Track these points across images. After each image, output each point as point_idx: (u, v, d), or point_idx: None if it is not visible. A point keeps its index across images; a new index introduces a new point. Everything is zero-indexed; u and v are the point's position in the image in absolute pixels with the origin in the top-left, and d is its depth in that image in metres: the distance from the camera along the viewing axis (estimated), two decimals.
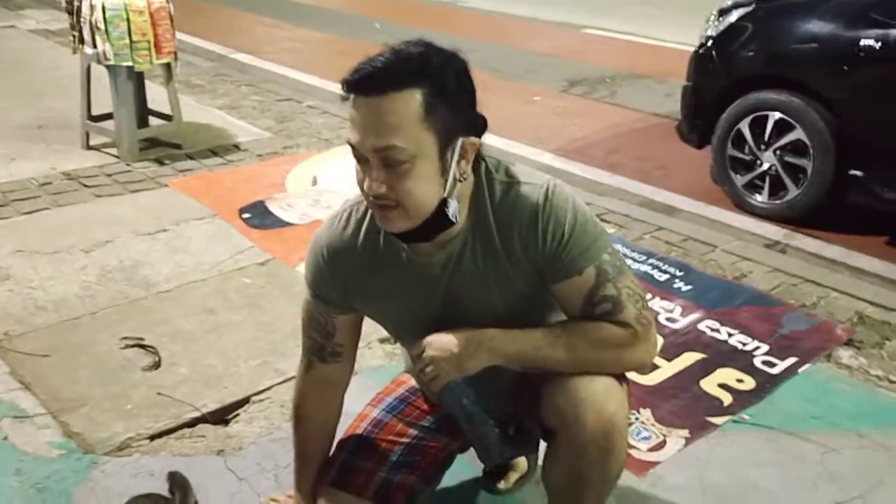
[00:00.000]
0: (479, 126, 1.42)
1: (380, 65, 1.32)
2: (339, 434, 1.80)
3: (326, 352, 1.67)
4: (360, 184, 1.39)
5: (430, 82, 1.32)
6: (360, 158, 1.36)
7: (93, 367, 2.52)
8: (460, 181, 1.41)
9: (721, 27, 4.02)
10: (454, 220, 1.41)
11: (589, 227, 1.46)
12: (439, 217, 1.39)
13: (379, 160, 1.33)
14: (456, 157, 1.37)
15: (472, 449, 1.92)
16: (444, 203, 1.38)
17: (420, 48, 1.36)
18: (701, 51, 4.13)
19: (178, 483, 1.88)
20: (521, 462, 2.03)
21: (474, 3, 10.23)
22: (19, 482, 2.01)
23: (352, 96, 1.33)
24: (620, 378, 1.54)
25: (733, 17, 3.99)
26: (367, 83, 1.31)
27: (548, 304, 1.57)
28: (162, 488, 1.93)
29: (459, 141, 1.37)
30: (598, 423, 1.44)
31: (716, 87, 4.07)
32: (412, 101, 1.30)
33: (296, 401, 1.77)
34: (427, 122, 1.32)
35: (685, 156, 4.50)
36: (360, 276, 1.55)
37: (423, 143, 1.32)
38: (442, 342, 1.46)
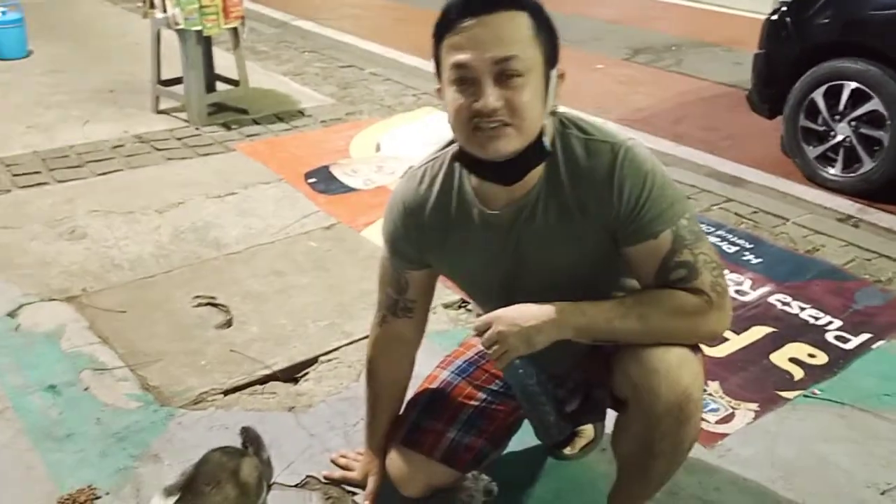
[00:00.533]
0: None
1: None
2: (410, 394, 1.83)
3: (399, 307, 1.70)
4: (461, 110, 1.36)
5: (530, 8, 1.36)
6: (467, 80, 1.34)
7: (168, 323, 2.60)
8: (552, 112, 1.42)
9: None
10: (549, 149, 1.42)
11: (667, 189, 1.44)
12: (537, 145, 1.40)
13: (494, 75, 1.33)
14: (552, 84, 1.39)
15: None
16: (541, 132, 1.40)
17: None
18: (774, 17, 4.00)
19: (251, 438, 1.92)
20: (588, 428, 2.04)
21: None
22: (100, 431, 2.10)
23: (455, 24, 1.34)
24: (695, 348, 1.51)
25: None
26: (479, 2, 1.33)
27: (617, 269, 1.55)
28: (236, 441, 1.98)
29: (554, 70, 1.40)
30: (672, 395, 1.42)
31: (789, 55, 3.94)
32: (523, 19, 1.34)
33: (369, 356, 1.80)
34: (537, 40, 1.35)
35: (754, 126, 4.40)
36: (434, 232, 1.57)
37: (535, 59, 1.35)
38: (509, 317, 1.44)
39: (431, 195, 1.56)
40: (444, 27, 1.36)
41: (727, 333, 2.54)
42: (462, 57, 1.33)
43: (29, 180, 3.67)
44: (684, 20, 7.35)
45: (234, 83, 4.65)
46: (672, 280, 1.45)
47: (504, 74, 1.32)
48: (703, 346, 2.33)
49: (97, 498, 1.87)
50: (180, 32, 4.29)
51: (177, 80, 4.55)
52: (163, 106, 4.64)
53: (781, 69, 3.99)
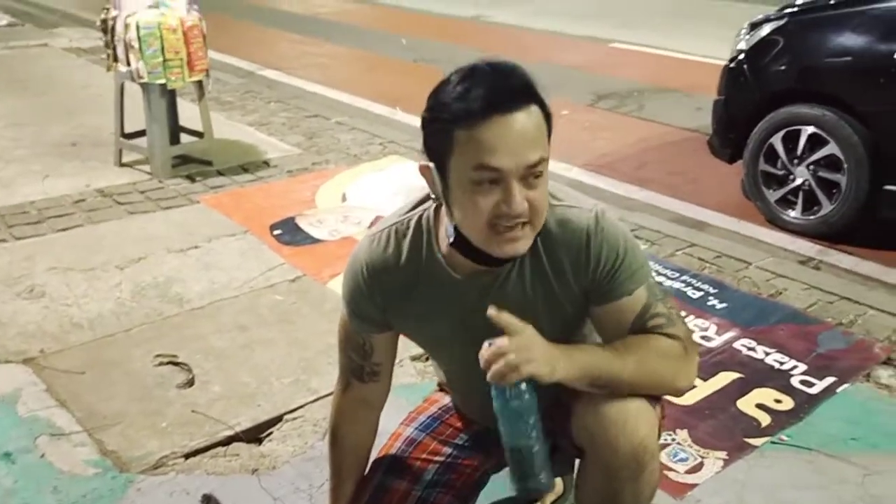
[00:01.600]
0: None
1: (503, 83, 1.31)
2: (374, 454, 1.80)
3: (365, 371, 1.66)
4: (485, 212, 1.31)
5: (538, 98, 1.34)
6: (493, 181, 1.30)
7: (127, 384, 2.54)
8: None
9: (752, 41, 4.00)
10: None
11: (637, 251, 1.48)
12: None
13: (521, 177, 1.30)
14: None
15: (506, 469, 1.91)
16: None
17: (509, 63, 1.36)
18: (732, 64, 4.10)
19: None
20: (558, 483, 2.01)
21: (499, 17, 10.26)
22: (56, 500, 2.03)
23: (476, 120, 1.28)
24: (653, 400, 1.51)
25: (765, 30, 3.96)
26: (509, 98, 1.29)
27: (587, 331, 1.56)
28: None
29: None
30: (629, 446, 1.42)
31: (747, 101, 4.04)
32: (538, 114, 1.32)
33: (332, 421, 1.76)
34: (548, 135, 1.35)
35: (716, 170, 4.47)
36: (399, 295, 1.54)
37: (547, 155, 1.34)
38: (527, 336, 1.35)
39: (399, 260, 1.52)
40: (463, 118, 1.29)
41: (695, 380, 2.54)
42: (496, 162, 1.28)
43: None
44: (646, 66, 7.50)
45: (199, 135, 4.64)
46: (650, 327, 1.46)
47: (531, 176, 1.31)
48: (672, 397, 2.35)
49: None
50: (144, 86, 4.28)
51: (140, 133, 4.52)
52: (126, 159, 4.60)
53: (741, 115, 4.07)
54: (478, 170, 1.30)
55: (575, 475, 1.66)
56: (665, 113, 5.97)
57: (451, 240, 1.43)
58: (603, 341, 1.52)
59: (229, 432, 2.31)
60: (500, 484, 1.95)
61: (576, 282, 1.46)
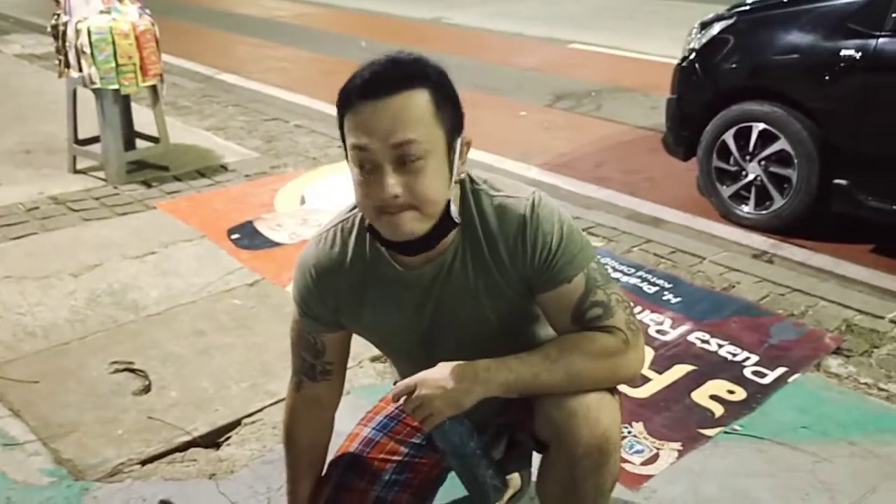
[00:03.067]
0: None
1: (385, 68, 1.35)
2: (332, 453, 1.80)
3: (317, 371, 1.67)
4: (365, 197, 1.37)
5: (432, 82, 1.36)
6: (367, 165, 1.35)
7: (83, 392, 2.51)
8: (458, 182, 1.43)
9: (703, 40, 4.06)
10: (457, 220, 1.43)
11: (575, 237, 1.48)
12: (445, 218, 1.41)
13: (393, 160, 1.33)
14: (458, 154, 1.40)
15: None
16: (448, 203, 1.40)
17: (409, 55, 1.39)
18: (684, 63, 4.17)
19: None
20: (515, 477, 2.02)
21: (459, 19, 10.29)
22: None
23: (355, 104, 1.34)
24: (612, 391, 1.53)
25: (715, 29, 4.03)
26: (378, 85, 1.33)
27: (536, 316, 1.58)
28: None
29: (459, 139, 1.41)
30: (592, 437, 1.44)
31: (700, 99, 4.11)
32: (422, 97, 1.34)
33: (286, 422, 1.76)
34: (437, 118, 1.35)
35: (671, 168, 4.54)
36: (348, 294, 1.55)
37: (435, 139, 1.35)
38: (432, 379, 1.42)
39: (346, 258, 1.54)
40: (344, 105, 1.36)
41: (649, 373, 2.59)
42: (362, 141, 1.33)
43: None
44: (603, 67, 7.59)
45: (155, 140, 4.59)
46: (588, 319, 1.47)
47: (404, 159, 1.33)
48: (626, 387, 2.38)
49: None
50: (97, 92, 4.23)
51: (95, 139, 4.46)
52: (80, 165, 4.54)
53: (693, 113, 4.14)
54: (353, 150, 1.36)
55: (536, 469, 1.68)
56: (622, 112, 6.04)
57: (367, 225, 1.47)
58: (551, 328, 1.54)
59: (186, 438, 2.29)
60: (458, 482, 1.98)
61: (515, 270, 1.47)
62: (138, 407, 2.44)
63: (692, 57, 4.11)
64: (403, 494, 1.72)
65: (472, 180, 1.50)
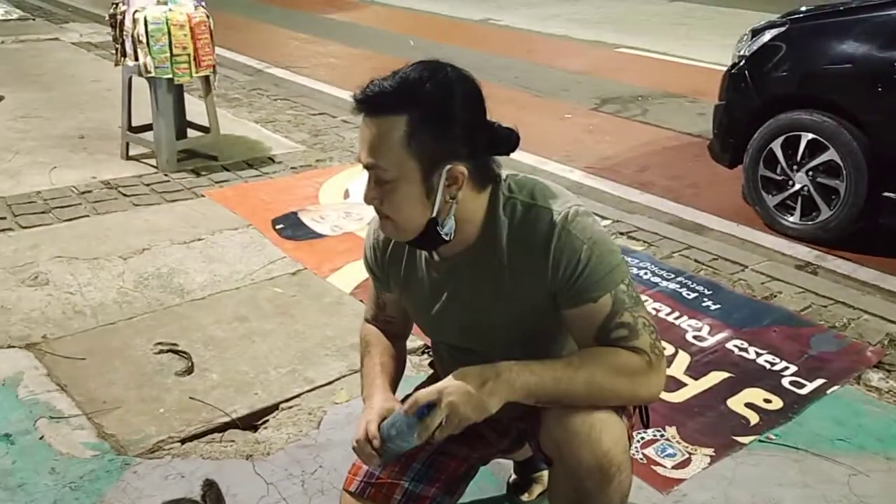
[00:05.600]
0: (493, 145, 1.47)
1: (377, 89, 1.39)
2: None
3: (379, 318, 1.79)
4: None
5: (419, 109, 1.37)
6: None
7: (127, 371, 2.58)
8: (453, 203, 1.44)
9: (754, 47, 4.02)
10: (447, 238, 1.46)
11: (606, 257, 1.46)
12: (430, 234, 1.45)
13: (371, 175, 1.42)
14: (443, 182, 1.41)
15: (496, 461, 1.95)
16: (433, 222, 1.43)
17: (421, 73, 1.41)
18: (733, 70, 4.13)
19: (213, 493, 1.88)
20: (545, 475, 2.04)
21: (508, 20, 10.30)
22: (53, 481, 2.07)
23: (357, 114, 1.43)
24: (620, 412, 1.52)
25: (767, 36, 3.99)
26: (363, 104, 1.40)
27: (555, 329, 1.57)
28: (191, 491, 1.96)
29: (446, 168, 1.40)
30: (593, 458, 1.44)
31: (748, 106, 4.06)
32: (396, 127, 1.37)
33: (361, 335, 1.81)
34: (409, 149, 1.38)
35: (716, 175, 4.50)
36: (392, 265, 1.65)
37: (405, 168, 1.39)
38: (456, 386, 1.41)
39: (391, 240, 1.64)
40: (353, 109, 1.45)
41: (685, 379, 2.58)
42: (357, 149, 1.46)
43: None
44: (651, 72, 7.53)
45: (205, 130, 4.69)
46: (613, 339, 1.47)
47: (375, 177, 1.42)
48: (662, 394, 2.38)
49: None
50: (151, 80, 4.33)
51: (148, 127, 4.57)
52: (133, 152, 4.66)
53: (741, 120, 4.10)
54: None
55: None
56: (668, 118, 6.00)
57: None
58: (575, 341, 1.54)
59: (226, 419, 2.35)
60: (491, 476, 2.01)
61: (535, 281, 1.48)
62: (180, 387, 2.50)
63: (742, 64, 4.07)
64: (431, 488, 1.73)
65: (509, 188, 1.52)
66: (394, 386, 1.69)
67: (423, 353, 2.68)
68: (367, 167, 1.42)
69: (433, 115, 1.38)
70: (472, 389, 1.40)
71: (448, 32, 9.37)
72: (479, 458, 1.81)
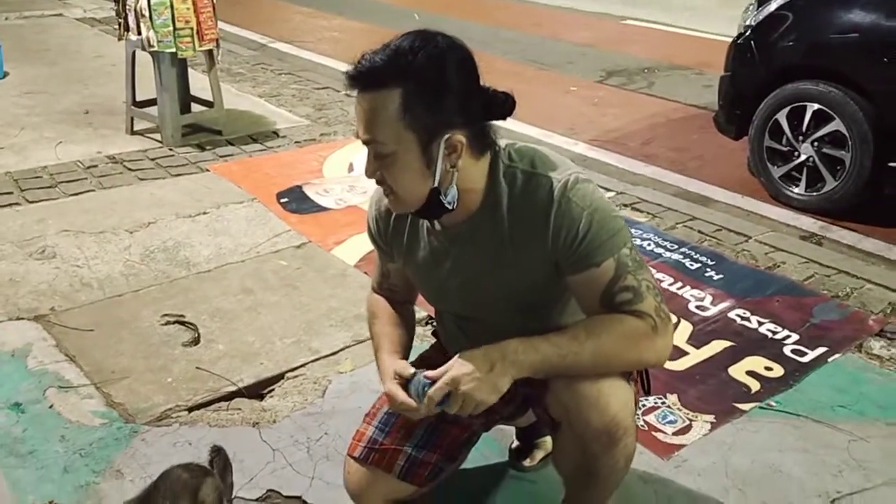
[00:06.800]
0: (489, 111, 1.46)
1: (368, 64, 1.39)
2: (368, 407, 1.83)
3: (383, 287, 1.82)
4: None
5: (412, 81, 1.37)
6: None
7: (135, 341, 2.61)
8: (454, 171, 1.45)
9: (760, 16, 3.99)
10: (450, 207, 1.47)
11: (608, 223, 1.47)
12: (433, 204, 1.46)
13: (370, 149, 1.43)
14: (442, 151, 1.41)
15: (499, 427, 1.97)
16: (436, 192, 1.44)
17: (412, 44, 1.40)
18: (739, 40, 4.10)
19: (220, 459, 1.91)
20: (547, 440, 2.07)
21: None
22: (63, 448, 2.11)
23: (350, 89, 1.43)
24: (627, 377, 1.55)
25: (773, 6, 3.95)
26: (355, 81, 1.40)
27: (559, 296, 1.59)
28: (199, 457, 2.00)
29: (445, 136, 1.41)
30: (600, 422, 1.46)
31: (754, 77, 4.04)
32: (390, 100, 1.37)
33: (368, 304, 1.84)
34: (405, 122, 1.38)
35: (722, 147, 4.48)
36: (395, 235, 1.66)
37: (403, 140, 1.39)
38: (465, 374, 1.43)
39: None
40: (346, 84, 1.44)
41: (687, 347, 2.60)
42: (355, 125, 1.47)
43: (1, 201, 3.68)
44: (657, 44, 7.48)
45: (209, 104, 4.68)
46: (618, 303, 1.47)
47: (374, 151, 1.43)
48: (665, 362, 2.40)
49: None
50: (154, 55, 4.33)
51: (152, 102, 4.58)
52: (137, 127, 4.67)
53: (746, 91, 4.08)
54: None
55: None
56: (674, 90, 5.97)
57: None
58: (579, 306, 1.56)
59: (232, 388, 2.38)
60: (493, 442, 2.04)
61: (537, 248, 1.49)
62: (187, 357, 2.53)
63: (747, 34, 4.04)
64: (434, 454, 1.75)
65: (509, 156, 1.53)
66: (403, 348, 1.71)
67: (426, 323, 2.70)
68: (365, 142, 1.42)
69: (427, 87, 1.38)
70: (481, 374, 1.42)
71: (453, 5, 9.29)
72: (482, 424, 1.83)
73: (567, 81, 6.23)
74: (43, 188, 3.84)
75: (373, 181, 1.50)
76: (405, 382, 1.51)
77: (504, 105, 1.47)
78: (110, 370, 2.45)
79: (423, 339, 2.61)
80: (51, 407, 2.27)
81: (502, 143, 1.54)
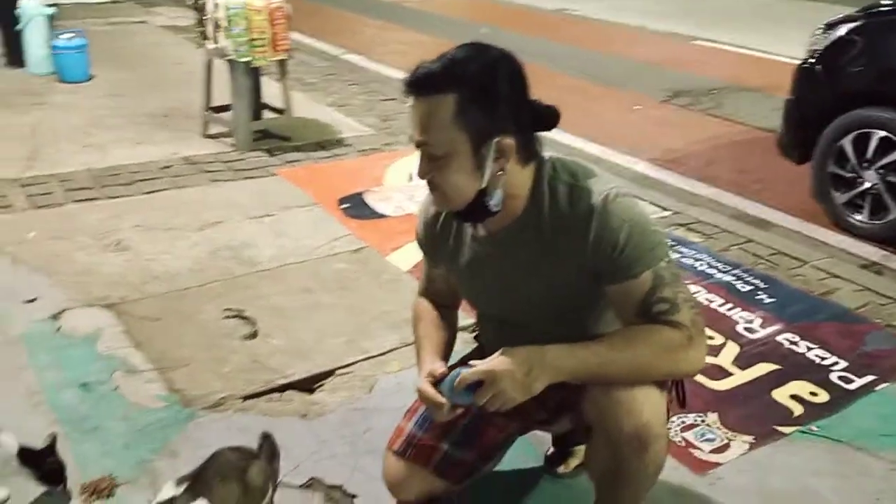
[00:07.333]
0: (534, 121, 1.54)
1: (425, 71, 1.49)
2: (408, 404, 1.91)
3: (430, 291, 1.89)
4: None
5: (466, 88, 1.46)
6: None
7: (197, 333, 2.76)
8: (501, 175, 1.52)
9: (828, 41, 3.95)
10: (494, 209, 1.54)
11: (647, 236, 1.53)
12: (479, 205, 1.53)
13: (423, 151, 1.51)
14: (491, 155, 1.49)
15: (535, 433, 2.03)
16: (482, 193, 1.52)
17: (467, 53, 1.50)
18: (806, 64, 4.06)
19: (269, 445, 2.02)
20: (582, 449, 2.11)
21: (584, 10, 10.25)
22: (125, 427, 2.25)
23: (407, 96, 1.52)
24: (661, 387, 1.59)
25: (842, 30, 3.91)
26: (412, 86, 1.49)
27: (596, 304, 1.64)
28: (249, 442, 2.10)
29: (494, 141, 1.49)
30: (632, 427, 1.51)
31: (819, 101, 4.00)
32: (445, 104, 1.46)
33: (413, 307, 1.92)
34: (459, 125, 1.46)
35: (786, 171, 4.43)
36: (441, 241, 1.75)
37: (456, 142, 1.48)
38: (503, 370, 1.47)
39: (441, 213, 1.73)
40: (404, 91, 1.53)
41: (731, 368, 2.61)
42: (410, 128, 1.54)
43: (81, 195, 3.91)
44: (726, 64, 7.42)
45: (280, 112, 4.87)
46: (654, 313, 1.53)
47: (426, 153, 1.51)
48: (705, 379, 2.43)
49: (116, 486, 2.02)
50: (230, 62, 4.53)
51: (226, 107, 4.79)
52: (212, 131, 4.88)
53: (811, 115, 4.03)
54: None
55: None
56: (741, 112, 5.92)
57: None
58: (616, 316, 1.61)
59: (284, 381, 2.49)
60: (530, 447, 2.09)
61: (577, 257, 1.55)
62: (245, 350, 2.66)
63: (815, 58, 4.00)
64: (470, 453, 1.82)
65: (553, 167, 1.59)
66: (443, 350, 1.78)
67: (473, 331, 2.77)
68: (419, 145, 1.51)
69: (480, 93, 1.46)
70: (518, 374, 1.47)
71: (522, 21, 9.39)
72: (518, 427, 1.89)
73: (632, 100, 6.24)
74: (121, 185, 4.06)
75: (425, 192, 1.60)
76: (438, 380, 1.59)
77: (550, 116, 1.55)
78: (173, 358, 2.60)
79: (469, 345, 2.69)
80: (116, 388, 2.42)
81: (547, 154, 1.61)
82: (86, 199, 3.87)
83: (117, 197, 3.92)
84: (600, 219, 1.51)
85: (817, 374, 2.58)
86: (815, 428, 2.32)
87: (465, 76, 1.47)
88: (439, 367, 1.63)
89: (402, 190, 4.10)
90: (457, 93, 1.46)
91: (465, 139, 1.48)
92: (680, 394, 1.78)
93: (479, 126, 1.47)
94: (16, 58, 6.26)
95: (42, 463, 1.93)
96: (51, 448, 1.95)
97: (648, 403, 1.53)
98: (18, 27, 6.04)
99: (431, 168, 1.52)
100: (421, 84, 1.48)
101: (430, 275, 1.89)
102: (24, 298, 2.91)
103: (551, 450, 2.16)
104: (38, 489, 1.95)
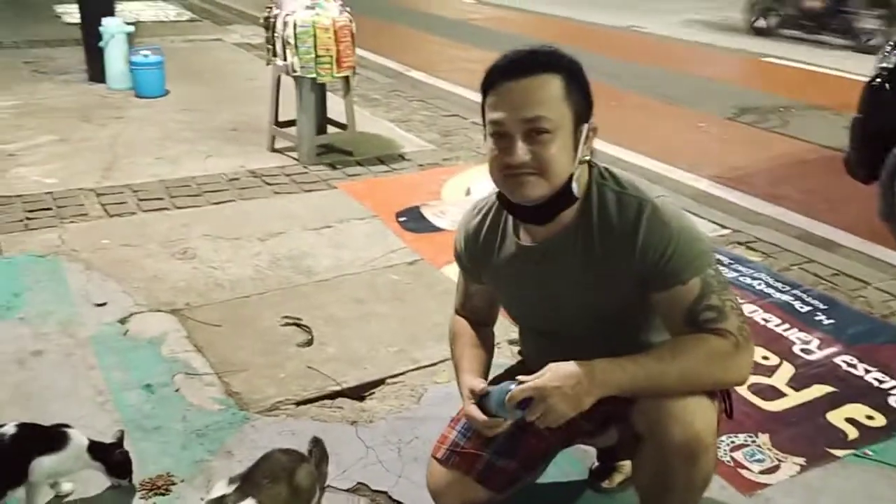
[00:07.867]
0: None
1: (524, 55, 1.53)
2: (454, 412, 1.94)
3: (466, 309, 1.93)
4: (496, 160, 1.54)
5: (566, 71, 1.52)
6: (502, 135, 1.52)
7: (255, 339, 2.85)
8: (583, 162, 1.57)
9: None
10: (576, 195, 1.56)
11: (694, 243, 1.55)
12: (565, 192, 1.55)
13: (523, 132, 1.50)
14: (584, 136, 1.54)
15: (580, 447, 2.05)
16: (570, 178, 1.54)
17: (551, 48, 1.56)
18: (874, 83, 3.97)
19: (319, 449, 2.08)
20: (626, 464, 2.11)
21: (652, 28, 10.19)
22: (184, 427, 2.35)
23: (497, 83, 1.52)
24: (712, 398, 1.59)
25: None
26: (517, 67, 1.51)
27: (643, 315, 1.66)
28: (300, 446, 2.17)
29: (587, 123, 1.55)
30: (683, 437, 1.52)
31: (887, 120, 3.90)
32: (555, 81, 1.51)
33: (450, 326, 1.95)
34: (567, 101, 1.51)
35: (855, 191, 4.31)
36: (484, 256, 1.77)
37: (564, 117, 1.51)
38: (553, 387, 1.48)
39: (484, 226, 1.77)
40: (487, 85, 1.55)
41: (785, 389, 2.56)
42: (498, 115, 1.52)
43: (152, 205, 4.08)
44: (795, 82, 7.28)
45: (343, 127, 4.99)
46: (701, 321, 1.54)
47: (533, 131, 1.50)
48: (757, 399, 2.40)
49: (173, 484, 2.11)
50: (297, 79, 4.67)
51: (292, 122, 4.93)
52: (278, 145, 5.03)
53: (879, 134, 3.93)
54: (490, 124, 1.53)
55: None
56: (810, 130, 5.80)
57: (497, 192, 1.63)
58: (663, 325, 1.63)
59: (337, 388, 2.56)
60: (575, 461, 2.10)
61: (625, 265, 1.56)
62: (300, 357, 2.74)
63: (883, 76, 3.91)
64: (512, 462, 1.84)
65: (601, 174, 1.63)
66: (482, 368, 1.81)
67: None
68: (527, 121, 1.48)
69: (578, 77, 1.53)
70: (568, 390, 1.49)
71: (590, 39, 9.38)
72: (561, 438, 1.90)
73: (697, 117, 6.18)
74: (190, 196, 4.23)
75: None
76: (482, 397, 1.62)
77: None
78: (232, 363, 2.70)
79: (511, 357, 2.72)
80: (177, 390, 2.53)
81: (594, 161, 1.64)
82: (156, 209, 4.04)
83: (186, 207, 4.08)
84: (648, 225, 1.53)
85: (875, 398, 2.52)
86: (869, 452, 2.27)
87: (564, 60, 1.53)
88: (478, 384, 1.67)
89: (459, 204, 4.15)
90: (562, 73, 1.51)
91: (571, 116, 1.52)
92: (727, 404, 1.77)
93: (579, 107, 1.53)
94: (97, 73, 6.57)
95: (111, 456, 2.04)
96: (119, 443, 2.06)
97: (700, 413, 1.54)
98: (101, 44, 6.34)
99: (535, 145, 1.50)
100: (526, 63, 1.52)
101: (467, 291, 1.91)
102: (95, 302, 3.06)
103: (596, 464, 2.17)
104: (104, 484, 2.06)
